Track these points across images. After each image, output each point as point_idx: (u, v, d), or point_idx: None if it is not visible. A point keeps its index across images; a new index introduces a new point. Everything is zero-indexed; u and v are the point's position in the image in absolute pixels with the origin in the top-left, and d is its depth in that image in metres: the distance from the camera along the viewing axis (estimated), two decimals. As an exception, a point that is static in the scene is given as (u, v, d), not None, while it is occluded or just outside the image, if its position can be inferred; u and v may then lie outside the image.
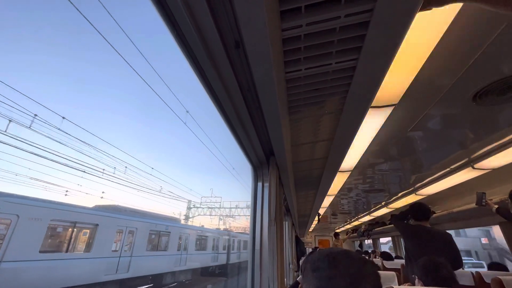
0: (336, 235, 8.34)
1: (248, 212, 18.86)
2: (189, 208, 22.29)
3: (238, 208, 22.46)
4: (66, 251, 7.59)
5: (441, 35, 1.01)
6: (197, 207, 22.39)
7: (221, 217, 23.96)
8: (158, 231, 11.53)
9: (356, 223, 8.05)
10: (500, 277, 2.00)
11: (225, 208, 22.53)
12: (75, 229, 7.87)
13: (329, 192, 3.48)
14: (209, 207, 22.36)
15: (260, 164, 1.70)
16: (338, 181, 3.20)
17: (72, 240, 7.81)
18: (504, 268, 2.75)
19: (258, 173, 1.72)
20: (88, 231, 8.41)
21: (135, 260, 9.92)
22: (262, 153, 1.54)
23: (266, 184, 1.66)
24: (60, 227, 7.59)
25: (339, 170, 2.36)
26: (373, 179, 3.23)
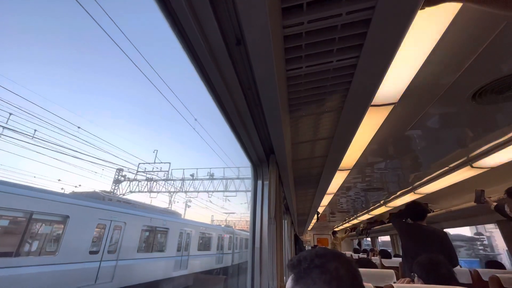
0: (334, 233, 8.38)
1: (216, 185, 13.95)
2: (117, 182, 13.98)
3: (197, 179, 14.12)
4: (15, 255, 4.99)
5: (441, 34, 1.02)
6: (131, 180, 14.10)
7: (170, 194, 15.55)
8: (154, 227, 9.16)
9: (354, 221, 8.09)
10: (497, 275, 2.01)
11: (174, 180, 14.14)
12: (31, 223, 5.33)
13: (328, 191, 3.49)
14: (148, 179, 14.10)
15: (260, 162, 1.70)
16: (338, 180, 3.21)
17: (26, 238, 5.28)
18: (501, 266, 2.78)
19: (258, 171, 1.72)
20: (54, 225, 5.85)
21: (122, 265, 7.40)
22: (262, 151, 1.54)
23: (266, 182, 1.66)
24: (3, 219, 5.02)
25: (339, 168, 2.37)
26: (372, 178, 3.24)
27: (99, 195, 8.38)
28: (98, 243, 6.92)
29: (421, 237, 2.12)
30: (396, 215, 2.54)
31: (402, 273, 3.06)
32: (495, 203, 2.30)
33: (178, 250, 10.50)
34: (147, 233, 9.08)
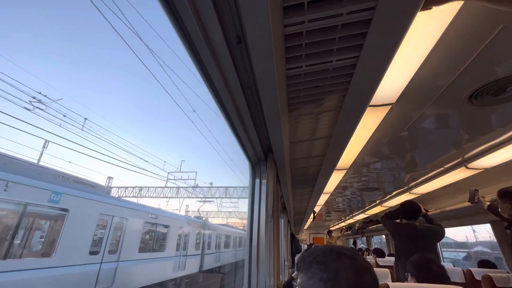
0: (330, 232, 8.44)
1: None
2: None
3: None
4: None
5: (438, 36, 1.03)
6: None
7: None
8: (23, 205, 4.44)
9: (350, 221, 8.14)
10: (490, 274, 2.05)
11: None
12: None
13: (325, 190, 3.50)
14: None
15: (258, 161, 1.71)
16: (334, 179, 3.23)
17: None
18: (493, 266, 2.83)
19: (256, 170, 1.72)
20: None
21: None
22: (261, 149, 1.55)
23: (264, 181, 1.67)
24: None
25: (336, 168, 2.39)
26: (369, 178, 3.27)
27: None
28: None
29: (416, 236, 2.14)
30: (387, 216, 2.54)
31: (396, 272, 3.10)
32: (488, 203, 2.34)
33: (94, 252, 5.78)
34: (8, 218, 4.30)
